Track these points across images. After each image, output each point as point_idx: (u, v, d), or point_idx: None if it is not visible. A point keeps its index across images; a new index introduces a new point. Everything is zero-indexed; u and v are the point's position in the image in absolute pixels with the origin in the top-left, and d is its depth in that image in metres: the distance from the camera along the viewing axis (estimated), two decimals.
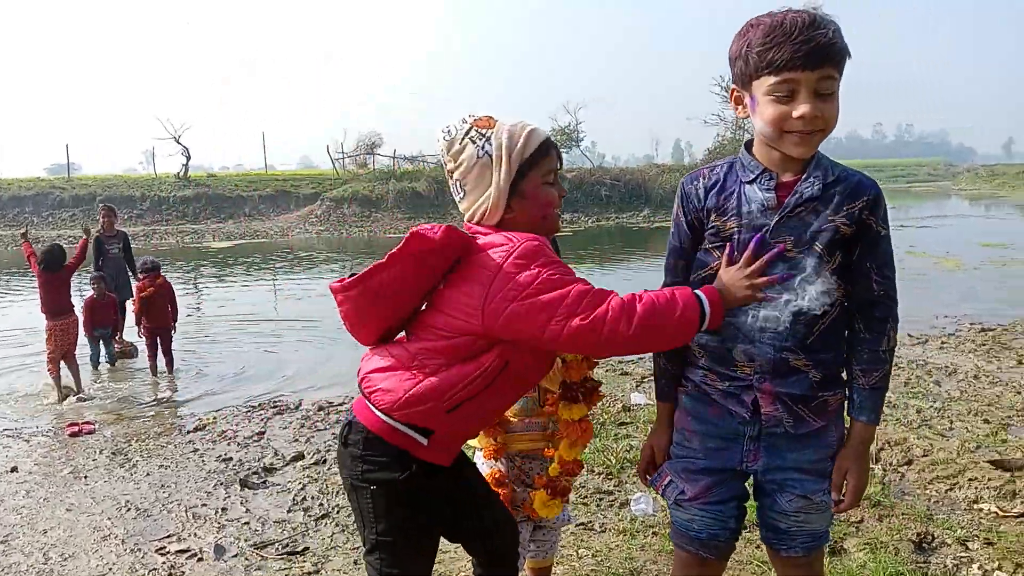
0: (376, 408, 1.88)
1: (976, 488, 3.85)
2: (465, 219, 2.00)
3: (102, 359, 8.10)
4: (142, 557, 3.42)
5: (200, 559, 3.38)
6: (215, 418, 5.85)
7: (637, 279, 14.55)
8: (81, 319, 7.60)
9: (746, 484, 2.00)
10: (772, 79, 1.71)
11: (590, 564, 3.15)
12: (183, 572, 3.26)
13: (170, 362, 7.77)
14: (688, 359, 1.99)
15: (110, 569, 3.32)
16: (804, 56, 1.66)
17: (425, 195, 29.50)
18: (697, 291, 1.80)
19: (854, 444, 1.87)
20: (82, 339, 7.57)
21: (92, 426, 5.81)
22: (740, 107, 1.85)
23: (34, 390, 7.28)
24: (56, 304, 7.26)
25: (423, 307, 1.96)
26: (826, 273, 1.80)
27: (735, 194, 1.85)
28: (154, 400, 6.99)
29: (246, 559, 3.36)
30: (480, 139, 1.92)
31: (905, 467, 4.16)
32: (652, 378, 6.21)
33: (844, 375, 1.91)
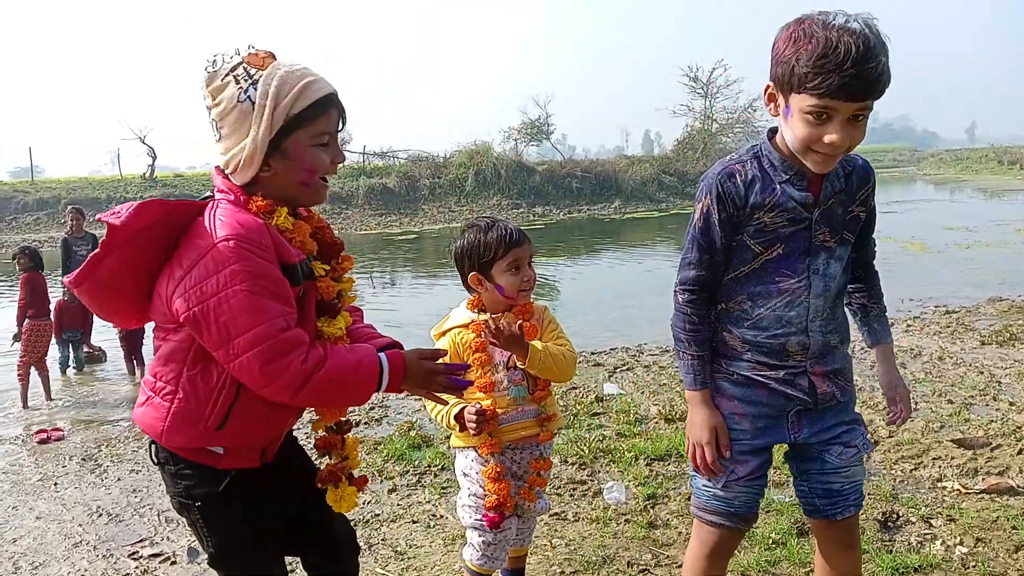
0: (160, 447, 1.79)
1: (940, 467, 3.93)
2: (221, 164, 1.78)
3: (70, 364, 8.00)
4: (115, 563, 3.40)
5: (173, 562, 3.37)
6: None
7: (612, 271, 14.63)
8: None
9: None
10: (812, 100, 1.73)
11: (563, 553, 3.18)
12: None
13: (140, 363, 7.71)
14: (727, 353, 2.04)
15: (82, 575, 3.30)
16: (849, 89, 1.68)
17: (396, 191, 29.35)
18: (382, 357, 1.73)
19: (892, 363, 2.14)
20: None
21: (61, 432, 5.75)
22: (772, 105, 1.89)
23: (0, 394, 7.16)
24: (41, 305, 7.21)
25: None
26: (847, 259, 2.00)
27: (774, 191, 1.91)
28: (124, 405, 6.92)
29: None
30: (246, 80, 1.68)
31: (871, 448, 4.24)
32: (624, 369, 6.23)
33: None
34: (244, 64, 1.70)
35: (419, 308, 10.12)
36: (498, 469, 2.43)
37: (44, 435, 5.65)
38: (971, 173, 45.66)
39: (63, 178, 34.51)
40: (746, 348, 1.99)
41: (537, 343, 2.41)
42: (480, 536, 2.46)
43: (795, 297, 1.93)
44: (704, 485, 2.07)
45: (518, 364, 2.41)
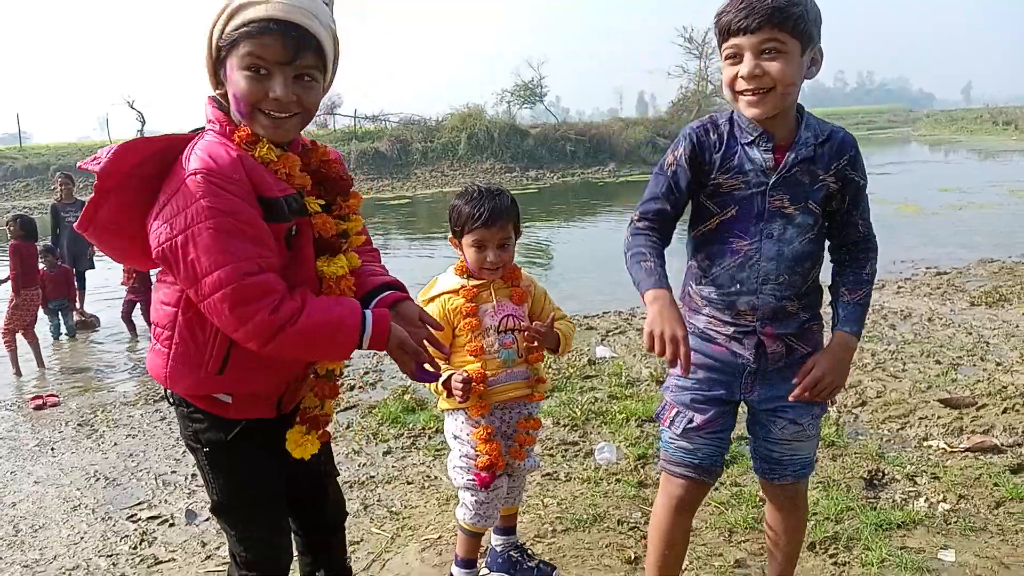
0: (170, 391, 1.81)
1: (926, 426, 3.99)
2: None
3: (62, 332, 8.02)
4: (113, 525, 3.45)
5: (172, 524, 3.42)
6: None
7: (605, 235, 14.63)
8: None
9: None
10: (725, 45, 1.88)
11: (555, 512, 3.23)
12: (155, 537, 3.29)
13: (132, 328, 7.85)
14: (689, 305, 2.13)
15: (82, 537, 3.35)
16: (742, 20, 1.81)
17: (388, 154, 29.18)
18: (367, 316, 1.68)
19: (836, 349, 2.00)
20: (41, 314, 7.49)
21: (56, 398, 5.78)
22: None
23: None
24: (27, 274, 7.18)
25: None
26: (818, 228, 1.99)
27: (736, 154, 1.97)
28: (118, 370, 6.95)
29: (217, 523, 3.40)
30: None
31: (859, 408, 4.30)
32: (616, 332, 6.24)
33: (819, 302, 2.11)
34: None
35: (414, 274, 10.12)
36: (489, 430, 2.47)
37: (39, 401, 5.69)
38: (966, 134, 45.52)
39: (52, 144, 34.19)
40: (704, 304, 2.09)
41: (563, 327, 2.53)
42: (472, 496, 2.51)
43: (747, 259, 1.99)
44: (671, 438, 2.15)
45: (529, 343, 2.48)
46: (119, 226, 1.69)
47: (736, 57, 1.87)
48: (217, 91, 1.71)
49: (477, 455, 2.46)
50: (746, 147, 1.96)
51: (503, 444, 2.52)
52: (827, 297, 2.13)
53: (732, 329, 2.05)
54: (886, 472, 3.45)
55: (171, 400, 1.85)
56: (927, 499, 3.18)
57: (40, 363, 7.11)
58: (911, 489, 3.29)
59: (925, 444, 3.78)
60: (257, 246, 1.60)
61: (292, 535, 2.05)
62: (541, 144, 30.66)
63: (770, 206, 1.96)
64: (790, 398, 2.01)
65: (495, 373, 2.46)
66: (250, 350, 1.66)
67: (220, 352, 1.71)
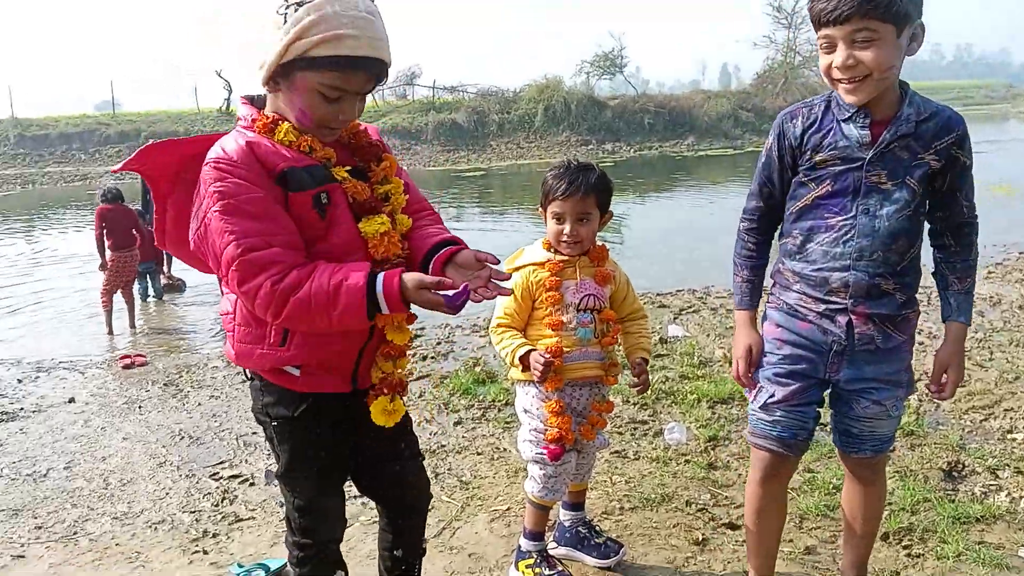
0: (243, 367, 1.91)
1: (1011, 418, 3.85)
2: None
3: (150, 294, 8.36)
4: (197, 482, 3.60)
5: (252, 484, 3.55)
6: None
7: (681, 211, 14.42)
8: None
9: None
10: (818, 33, 1.91)
11: (623, 489, 3.24)
12: (236, 496, 3.43)
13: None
14: (780, 282, 2.17)
15: (167, 493, 3.51)
16: (832, 11, 1.83)
17: (464, 126, 29.26)
18: (377, 279, 1.66)
19: (954, 342, 2.07)
20: None
21: (144, 358, 6.05)
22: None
23: (88, 320, 7.54)
24: (121, 236, 7.47)
25: None
26: (916, 205, 1.98)
27: (831, 131, 2.00)
28: (203, 333, 7.22)
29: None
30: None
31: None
32: (690, 311, 6.19)
33: (917, 288, 2.10)
34: None
35: (486, 245, 10.18)
36: (560, 404, 2.48)
37: (128, 360, 5.96)
38: None
39: (143, 112, 35.37)
40: (796, 280, 2.10)
41: (644, 350, 2.61)
42: (541, 469, 2.53)
43: (842, 234, 2.01)
44: (753, 410, 2.21)
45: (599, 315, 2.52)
46: (184, 231, 1.81)
47: (830, 47, 1.89)
48: (270, 86, 1.76)
49: (547, 428, 2.48)
50: (842, 123, 1.98)
51: (573, 420, 2.53)
52: (928, 281, 2.13)
53: (823, 307, 2.06)
54: (966, 464, 3.34)
55: (247, 375, 1.96)
56: (1009, 494, 3.07)
57: (132, 324, 7.43)
58: (992, 483, 3.19)
59: (1009, 437, 3.64)
60: (262, 223, 1.66)
61: (345, 504, 2.09)
62: (619, 116, 30.29)
63: (867, 182, 1.96)
64: (938, 398, 2.13)
65: (571, 350, 2.48)
66: None
67: (278, 327, 1.77)
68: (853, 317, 2.03)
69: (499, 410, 4.27)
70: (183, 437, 4.19)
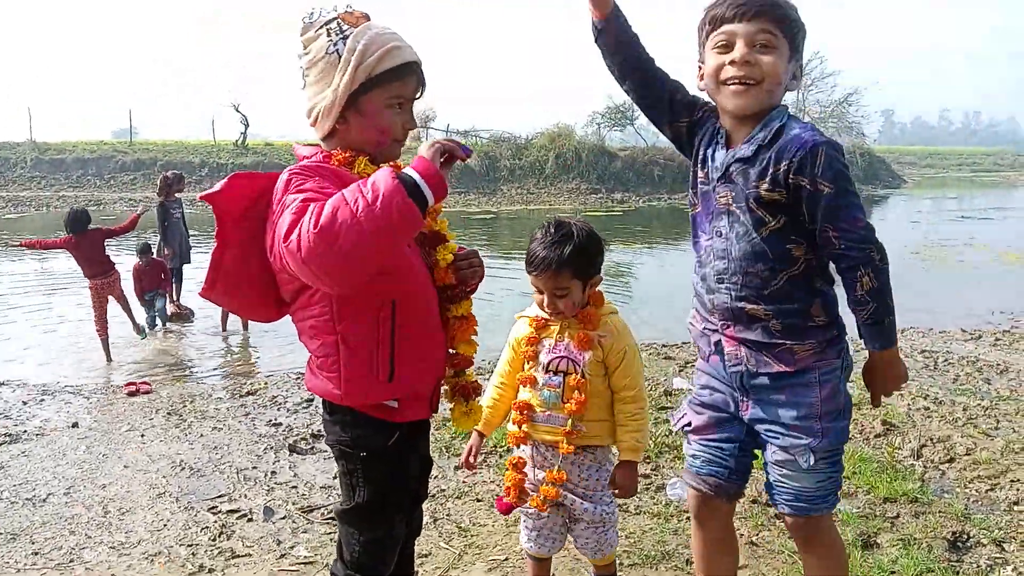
0: (337, 404, 1.88)
1: (1018, 489, 3.81)
2: (305, 113, 1.88)
3: (157, 323, 8.40)
4: (195, 515, 3.58)
5: (250, 519, 3.53)
6: (267, 383, 6.03)
7: (688, 262, 14.44)
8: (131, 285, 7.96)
9: (752, 433, 2.10)
10: (715, 33, 1.88)
11: (623, 545, 3.21)
12: (233, 531, 3.41)
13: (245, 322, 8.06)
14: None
15: (165, 525, 3.49)
16: (740, 7, 1.83)
17: (476, 170, 29.53)
18: (409, 171, 1.62)
19: (869, 364, 2.00)
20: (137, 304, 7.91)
21: (149, 386, 6.05)
22: (700, 80, 1.98)
23: (96, 344, 7.55)
24: (97, 265, 7.41)
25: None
26: (771, 230, 1.90)
27: (707, 149, 2.01)
28: (210, 362, 7.23)
29: (293, 521, 3.50)
30: (337, 34, 1.78)
31: (947, 465, 4.14)
32: (695, 363, 6.17)
33: (822, 322, 1.97)
34: (338, 20, 1.80)
35: (494, 286, 10.18)
36: (520, 460, 2.47)
37: (133, 387, 5.96)
38: None
39: (160, 140, 35.79)
40: (694, 297, 2.13)
41: (629, 448, 2.37)
42: (524, 521, 2.56)
43: (706, 255, 2.02)
44: (680, 428, 2.24)
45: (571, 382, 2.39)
46: (241, 269, 1.83)
47: (727, 46, 1.87)
48: (338, 122, 1.82)
49: (533, 484, 2.47)
50: (715, 144, 1.99)
51: (534, 475, 2.47)
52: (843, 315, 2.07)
53: (703, 325, 2.08)
54: (971, 535, 3.31)
55: (329, 411, 1.93)
56: (1016, 568, 3.04)
57: (136, 328, 7.60)
58: (998, 555, 3.15)
59: (1016, 508, 3.61)
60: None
61: None
62: (629, 167, 30.57)
63: (717, 204, 1.96)
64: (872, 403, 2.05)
65: (539, 410, 2.43)
66: (410, 346, 1.82)
67: (385, 360, 1.80)
68: (723, 338, 2.01)
69: (500, 456, 4.25)
70: (183, 468, 4.18)
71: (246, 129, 33.49)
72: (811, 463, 1.97)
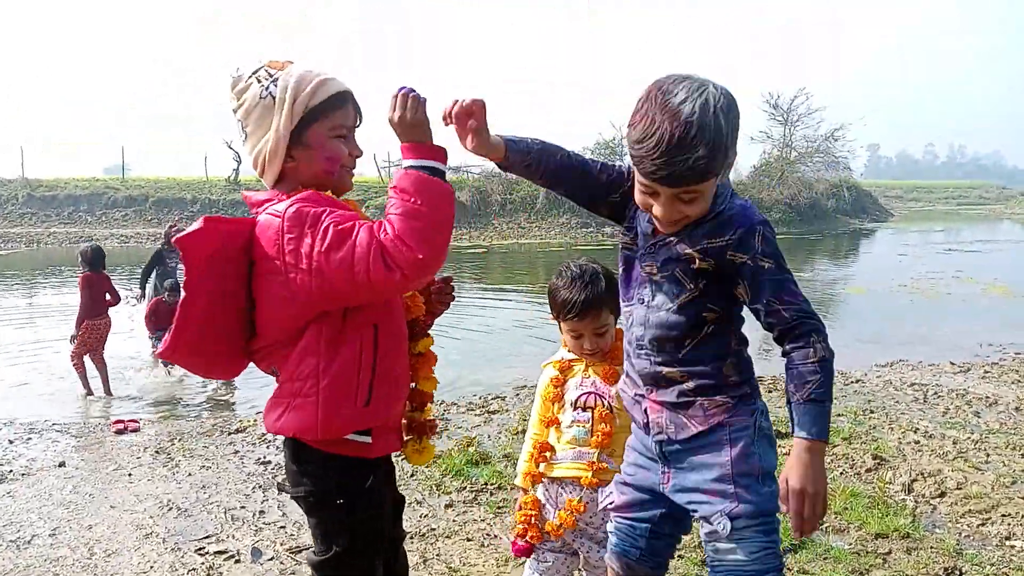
0: (309, 443, 1.86)
1: (1009, 524, 3.81)
2: (250, 164, 1.93)
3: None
4: (182, 557, 3.54)
5: (238, 560, 3.49)
6: (255, 420, 5.99)
7: None
8: (144, 319, 8.00)
9: (673, 516, 2.03)
10: (639, 176, 1.78)
11: None
12: (221, 573, 3.37)
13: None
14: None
15: (151, 567, 3.45)
16: (661, 178, 1.71)
17: (468, 205, 29.70)
18: (414, 163, 1.74)
19: (792, 457, 1.76)
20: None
21: (137, 424, 6.00)
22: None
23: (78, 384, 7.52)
24: (100, 304, 7.51)
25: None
26: (693, 298, 1.88)
27: (637, 218, 1.99)
28: (202, 401, 7.19)
29: (281, 563, 3.46)
30: (267, 79, 1.83)
31: (938, 499, 4.13)
32: None
33: (733, 381, 1.93)
34: (265, 68, 1.86)
35: (486, 320, 10.19)
36: (531, 500, 2.45)
37: (121, 425, 5.91)
38: None
39: (152, 177, 35.87)
40: (626, 361, 2.09)
41: None
42: (530, 564, 2.52)
43: (629, 321, 2.01)
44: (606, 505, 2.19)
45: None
46: (211, 326, 1.83)
47: (652, 193, 1.78)
48: (287, 161, 1.85)
49: (515, 524, 2.47)
50: (644, 213, 1.92)
51: (547, 512, 2.45)
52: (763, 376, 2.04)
53: (632, 393, 2.05)
54: (964, 570, 3.30)
55: (297, 460, 1.89)
56: None
57: (107, 390, 7.43)
58: None
59: (1007, 543, 3.61)
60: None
61: None
62: None
63: (641, 272, 1.96)
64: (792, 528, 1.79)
65: (565, 449, 2.42)
66: (385, 374, 1.85)
67: (365, 384, 1.81)
68: (648, 404, 1.98)
69: (491, 494, 4.23)
70: (171, 508, 4.14)
71: (238, 166, 33.61)
72: (728, 529, 1.84)
